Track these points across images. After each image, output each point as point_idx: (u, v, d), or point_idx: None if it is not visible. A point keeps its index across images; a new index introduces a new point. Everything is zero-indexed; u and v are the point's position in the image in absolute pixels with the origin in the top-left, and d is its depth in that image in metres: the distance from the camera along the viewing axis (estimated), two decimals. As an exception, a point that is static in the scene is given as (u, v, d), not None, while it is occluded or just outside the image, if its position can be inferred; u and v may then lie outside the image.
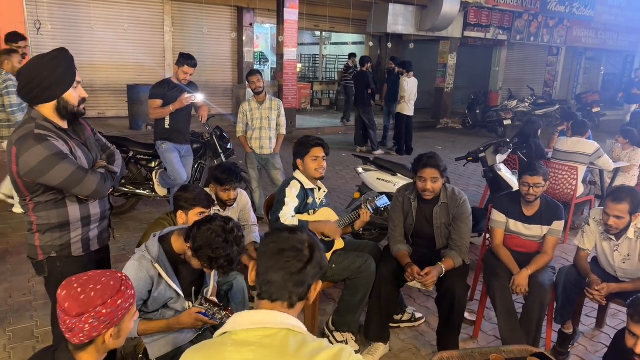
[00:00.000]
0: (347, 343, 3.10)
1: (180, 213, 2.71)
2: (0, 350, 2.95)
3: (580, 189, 5.14)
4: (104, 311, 1.39)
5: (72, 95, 2.07)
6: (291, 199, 2.98)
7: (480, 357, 2.13)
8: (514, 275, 3.00)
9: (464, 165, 6.03)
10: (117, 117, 10.77)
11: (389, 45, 11.41)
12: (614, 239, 2.98)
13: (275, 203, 3.12)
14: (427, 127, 13.40)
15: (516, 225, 3.23)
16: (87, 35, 10.11)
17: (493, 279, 3.05)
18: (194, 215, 2.65)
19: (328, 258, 3.06)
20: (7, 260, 4.12)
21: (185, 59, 4.50)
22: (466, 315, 3.42)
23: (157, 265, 2.12)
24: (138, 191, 5.17)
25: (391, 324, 3.26)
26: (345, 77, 12.29)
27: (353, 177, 7.33)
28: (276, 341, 1.19)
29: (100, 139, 2.38)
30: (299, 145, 3.14)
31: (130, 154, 5.12)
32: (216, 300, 2.33)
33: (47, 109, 2.04)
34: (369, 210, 3.17)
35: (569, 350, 3.20)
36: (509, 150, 5.11)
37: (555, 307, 3.13)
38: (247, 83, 5.17)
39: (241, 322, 1.24)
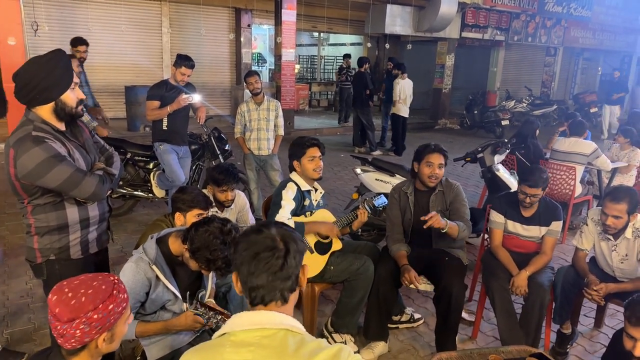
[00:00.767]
0: (346, 344, 3.09)
1: (178, 215, 2.70)
2: (-3, 353, 2.94)
3: (578, 189, 5.15)
4: (95, 316, 1.36)
5: (70, 97, 2.06)
6: (287, 202, 2.97)
7: (479, 358, 2.13)
8: (513, 277, 3.00)
9: (462, 166, 6.04)
10: (114, 119, 10.68)
11: (387, 46, 11.41)
12: (612, 239, 2.98)
13: (271, 205, 3.11)
14: (425, 127, 13.41)
15: (514, 226, 3.23)
16: (84, 37, 10.03)
17: (492, 279, 3.05)
18: (192, 216, 2.64)
19: (326, 260, 3.05)
20: (4, 262, 4.11)
21: (183, 60, 4.49)
22: (465, 315, 3.42)
23: (154, 267, 2.11)
24: (136, 193, 5.16)
25: (390, 325, 3.26)
26: (339, 79, 12.30)
27: (351, 178, 7.33)
28: (275, 341, 1.19)
29: (98, 141, 2.37)
30: (294, 146, 3.12)
31: (128, 156, 5.11)
32: (213, 303, 2.33)
33: (45, 111, 2.03)
34: (366, 210, 3.17)
35: (568, 350, 3.20)
36: (507, 151, 5.12)
37: (553, 307, 3.13)
38: (245, 84, 5.17)
39: (240, 323, 1.23)
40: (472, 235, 4.09)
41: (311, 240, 3.04)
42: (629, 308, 2.06)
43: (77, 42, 5.69)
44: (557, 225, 3.15)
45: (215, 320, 2.12)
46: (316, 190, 3.22)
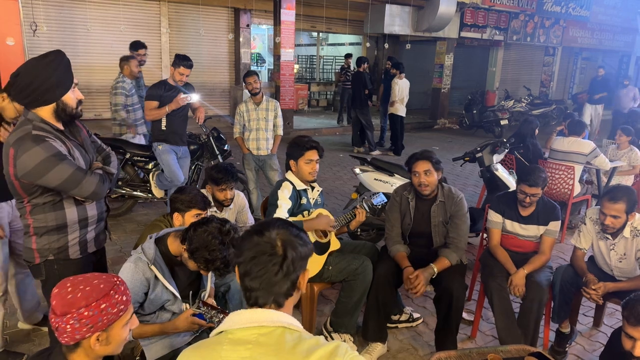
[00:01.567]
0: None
1: (176, 215, 2.70)
2: (-4, 354, 2.94)
3: (577, 189, 5.16)
4: (86, 313, 1.36)
5: (70, 98, 2.06)
6: (283, 201, 2.97)
7: (478, 357, 2.13)
8: (511, 276, 3.00)
9: (461, 166, 6.05)
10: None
11: (386, 45, 11.41)
12: (610, 238, 2.98)
13: (268, 206, 3.11)
14: (424, 127, 13.42)
15: (513, 226, 3.24)
16: (83, 37, 10.09)
17: (490, 279, 3.06)
18: (191, 217, 2.64)
19: (324, 260, 3.05)
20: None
21: (181, 60, 4.49)
22: (464, 315, 3.42)
23: (153, 267, 2.11)
24: (135, 193, 5.16)
25: (389, 324, 3.26)
26: (340, 79, 12.29)
27: (350, 178, 7.33)
28: (272, 339, 1.19)
29: (96, 141, 2.37)
30: (293, 146, 3.11)
31: (127, 156, 5.11)
32: (214, 303, 2.33)
33: (45, 112, 2.03)
34: (365, 209, 3.17)
35: (567, 349, 3.21)
36: (506, 150, 5.12)
37: (552, 306, 3.14)
38: (244, 84, 5.17)
39: (237, 320, 1.24)
40: (471, 234, 4.09)
41: (310, 239, 3.04)
42: (627, 308, 2.05)
43: (137, 45, 6.01)
44: (555, 225, 3.16)
45: (217, 319, 2.12)
46: (313, 188, 3.21)
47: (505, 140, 5.14)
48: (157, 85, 4.57)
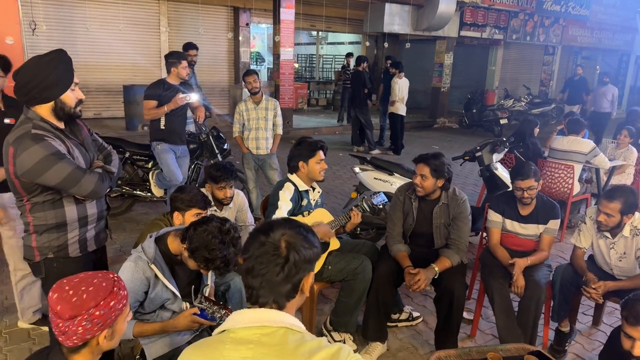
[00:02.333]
0: (344, 343, 3.09)
1: (176, 214, 2.70)
2: (-4, 353, 2.94)
3: (577, 188, 5.16)
4: (97, 313, 1.37)
5: (70, 97, 2.06)
6: (284, 202, 2.96)
7: (478, 356, 2.14)
8: (512, 270, 2.98)
9: (460, 165, 6.04)
10: (113, 118, 10.74)
11: (386, 45, 11.41)
12: (609, 237, 2.99)
13: (268, 206, 3.11)
14: (423, 126, 13.42)
15: (512, 225, 3.24)
16: (82, 36, 10.08)
17: (490, 277, 3.06)
18: (191, 216, 2.64)
19: (323, 259, 3.05)
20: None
21: (180, 56, 4.48)
22: (464, 314, 3.42)
23: (153, 266, 2.11)
24: (135, 192, 5.16)
25: (389, 323, 3.26)
26: (340, 78, 12.28)
27: (350, 177, 7.33)
28: (274, 339, 1.19)
29: (97, 139, 2.37)
30: (302, 147, 3.08)
31: (127, 155, 5.10)
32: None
33: (44, 110, 2.03)
34: (364, 208, 3.16)
35: (566, 348, 3.21)
36: (506, 149, 5.13)
37: (552, 305, 3.14)
38: (243, 83, 5.16)
39: (240, 320, 1.24)
40: (471, 234, 4.09)
41: (319, 242, 3.03)
42: (626, 307, 2.05)
43: (188, 47, 6.17)
44: (554, 224, 3.16)
45: (219, 315, 2.13)
46: (314, 189, 3.21)
47: (505, 139, 5.15)
48: (155, 84, 4.56)
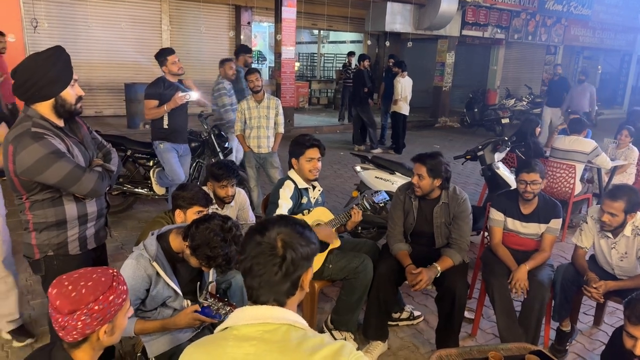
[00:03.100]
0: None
1: (178, 212, 2.70)
2: (-3, 350, 2.94)
3: (578, 188, 5.15)
4: (96, 307, 1.38)
5: (69, 94, 2.05)
6: (284, 201, 2.96)
7: (479, 355, 2.13)
8: (513, 271, 3.00)
9: (462, 164, 6.04)
10: (114, 116, 10.75)
11: (387, 43, 11.41)
12: (611, 236, 2.98)
13: (269, 204, 3.10)
14: (425, 125, 13.41)
15: (514, 224, 3.23)
16: (84, 34, 10.08)
17: (492, 277, 3.05)
18: (192, 214, 2.64)
19: (324, 257, 3.04)
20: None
21: (166, 53, 4.45)
22: (465, 313, 3.42)
23: (155, 264, 2.11)
24: (136, 190, 5.16)
25: (390, 322, 3.25)
26: (341, 76, 12.27)
27: (351, 176, 7.33)
28: (277, 336, 1.19)
29: (96, 137, 2.36)
30: (294, 144, 3.11)
31: (128, 153, 5.10)
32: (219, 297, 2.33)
33: (44, 108, 2.02)
34: (365, 207, 3.16)
35: (567, 347, 3.21)
36: (507, 149, 5.12)
37: (553, 305, 3.13)
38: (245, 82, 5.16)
39: (242, 317, 1.24)
40: (472, 233, 4.09)
41: (316, 238, 3.03)
42: (629, 307, 2.05)
43: (243, 50, 6.53)
44: (556, 223, 3.15)
45: (224, 312, 2.13)
46: (314, 187, 3.21)
47: (506, 138, 5.14)
48: (155, 83, 4.50)
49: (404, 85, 9.03)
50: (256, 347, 1.18)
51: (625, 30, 17.01)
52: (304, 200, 3.10)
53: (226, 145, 5.58)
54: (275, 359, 1.16)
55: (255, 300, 1.26)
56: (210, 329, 2.37)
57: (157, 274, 2.12)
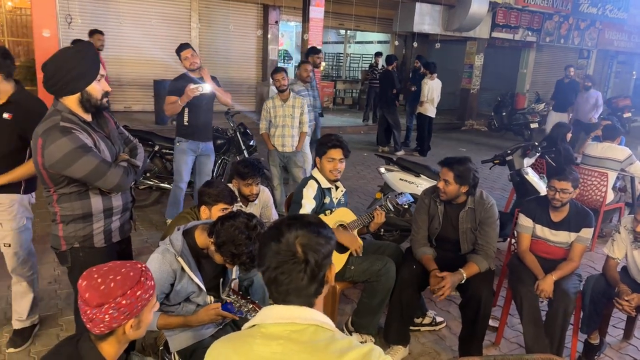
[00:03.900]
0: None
1: (203, 208, 2.72)
2: (25, 337, 3.01)
3: (610, 196, 5.00)
4: (124, 302, 1.39)
5: (96, 88, 2.09)
6: (307, 201, 2.95)
7: (504, 365, 2.08)
8: (538, 280, 2.92)
9: (490, 168, 5.93)
10: (143, 112, 10.94)
11: (415, 44, 11.29)
12: (645, 248, 2.88)
13: (292, 203, 3.10)
14: (451, 128, 13.25)
15: (543, 231, 3.15)
16: (115, 30, 10.28)
17: (519, 285, 2.98)
18: (217, 210, 2.66)
19: (345, 259, 3.02)
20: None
21: (179, 50, 4.41)
22: (489, 321, 3.36)
23: (180, 259, 2.13)
24: (162, 185, 5.23)
25: (411, 327, 3.21)
26: (367, 77, 12.20)
27: (374, 177, 7.28)
28: (304, 336, 1.18)
29: (123, 132, 2.39)
30: (320, 143, 3.12)
31: (156, 148, 5.18)
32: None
33: (71, 102, 2.06)
34: (389, 208, 3.12)
35: (595, 361, 3.11)
36: (537, 154, 5.00)
37: (581, 316, 3.04)
38: (271, 80, 5.15)
39: (270, 315, 1.23)
40: (499, 239, 4.01)
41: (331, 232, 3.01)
42: None
43: (312, 51, 6.62)
44: (587, 232, 3.06)
45: (246, 309, 2.13)
46: (337, 188, 3.19)
47: (537, 143, 5.02)
48: (175, 78, 4.46)
49: (432, 88, 8.91)
50: (283, 346, 1.17)
51: (662, 34, 16.45)
52: (327, 200, 3.08)
53: (251, 143, 5.61)
54: (303, 359, 1.16)
55: (281, 302, 1.25)
56: (232, 325, 2.38)
57: (182, 269, 2.14)
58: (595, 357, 3.13)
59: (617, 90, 17.53)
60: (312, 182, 3.04)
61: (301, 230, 1.23)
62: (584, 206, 3.19)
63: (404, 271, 2.97)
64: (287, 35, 17.11)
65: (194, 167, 4.72)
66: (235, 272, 2.41)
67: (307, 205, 2.94)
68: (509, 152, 4.82)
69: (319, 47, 6.58)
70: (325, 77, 16.07)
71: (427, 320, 3.40)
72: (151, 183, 5.22)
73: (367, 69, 13.76)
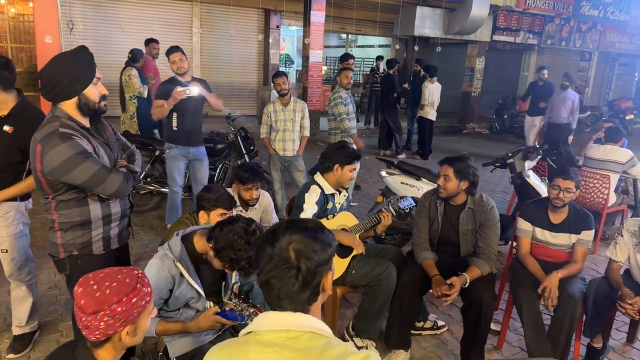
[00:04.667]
0: (367, 349, 3.05)
1: (202, 213, 2.71)
2: (25, 343, 3.00)
3: (612, 199, 4.98)
4: (119, 309, 1.38)
5: (93, 92, 2.08)
6: (310, 205, 2.94)
7: (505, 370, 2.06)
8: (544, 280, 2.88)
9: (491, 171, 5.92)
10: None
11: (416, 48, 11.30)
12: (648, 251, 2.86)
13: (294, 208, 3.09)
14: (453, 131, 13.23)
15: (543, 234, 3.13)
16: (117, 36, 10.32)
17: (520, 288, 2.96)
18: (216, 215, 2.65)
19: (347, 263, 3.01)
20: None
21: (167, 54, 4.47)
22: (491, 325, 3.33)
23: (179, 265, 2.12)
24: (163, 189, 5.23)
25: (413, 331, 3.20)
26: (369, 81, 12.20)
27: (376, 181, 7.27)
28: (300, 343, 1.17)
29: (121, 139, 2.38)
30: (344, 152, 3.04)
31: (157, 153, 5.18)
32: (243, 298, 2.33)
33: (69, 106, 2.05)
34: (391, 212, 3.11)
35: (598, 365, 3.09)
36: (539, 157, 4.98)
37: (584, 320, 3.02)
38: (272, 85, 5.15)
39: (265, 322, 1.22)
40: (500, 242, 3.99)
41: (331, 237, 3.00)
42: None
43: (347, 57, 6.73)
44: (588, 235, 3.04)
45: (247, 313, 2.12)
46: (340, 192, 3.18)
47: (538, 146, 5.00)
48: (164, 82, 4.43)
49: (432, 91, 8.91)
50: (278, 353, 1.16)
51: (664, 36, 16.42)
52: (329, 205, 3.07)
53: (252, 147, 5.61)
54: None
55: (275, 308, 1.24)
56: (231, 331, 2.37)
57: (181, 274, 2.13)
58: (599, 361, 3.10)
59: (619, 92, 17.50)
60: (314, 187, 3.03)
61: (297, 235, 1.21)
62: (585, 208, 3.17)
63: (405, 275, 2.96)
64: (288, 39, 17.16)
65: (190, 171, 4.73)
66: (235, 276, 2.40)
67: (309, 210, 2.93)
68: (510, 154, 4.81)
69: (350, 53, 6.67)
70: (327, 81, 16.08)
71: (428, 324, 3.38)
72: (152, 188, 5.22)
73: (368, 72, 13.76)
